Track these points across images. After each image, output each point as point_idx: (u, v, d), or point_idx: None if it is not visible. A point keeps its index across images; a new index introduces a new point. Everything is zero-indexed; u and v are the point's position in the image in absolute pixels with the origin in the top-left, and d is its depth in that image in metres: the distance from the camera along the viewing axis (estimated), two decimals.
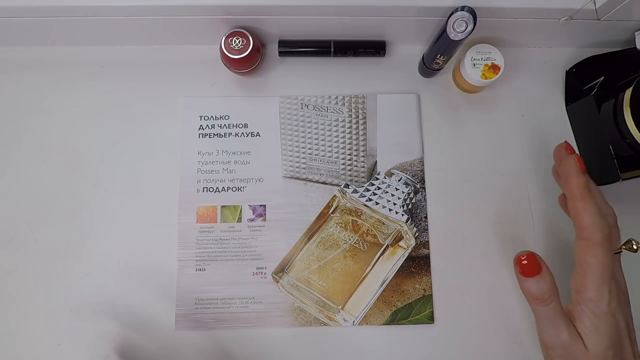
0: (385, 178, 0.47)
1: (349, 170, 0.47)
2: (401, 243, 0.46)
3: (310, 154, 0.47)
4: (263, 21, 0.45)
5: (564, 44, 0.50)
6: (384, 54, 0.49)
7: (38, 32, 0.47)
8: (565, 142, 0.39)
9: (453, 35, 0.40)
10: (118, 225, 0.46)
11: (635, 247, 0.36)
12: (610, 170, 0.44)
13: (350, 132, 0.48)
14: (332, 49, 0.48)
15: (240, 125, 0.48)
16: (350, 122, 0.48)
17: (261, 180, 0.47)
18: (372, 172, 0.47)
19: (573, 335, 0.34)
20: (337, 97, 0.48)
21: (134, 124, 0.48)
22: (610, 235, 0.34)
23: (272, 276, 0.45)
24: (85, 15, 0.44)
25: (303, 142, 0.48)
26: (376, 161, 0.47)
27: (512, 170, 0.48)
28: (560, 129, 0.49)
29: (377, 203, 0.46)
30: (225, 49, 0.45)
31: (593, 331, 0.34)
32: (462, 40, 0.40)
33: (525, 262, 0.35)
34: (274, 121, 0.48)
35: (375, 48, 0.48)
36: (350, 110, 0.48)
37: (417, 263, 0.46)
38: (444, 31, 0.41)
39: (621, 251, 0.37)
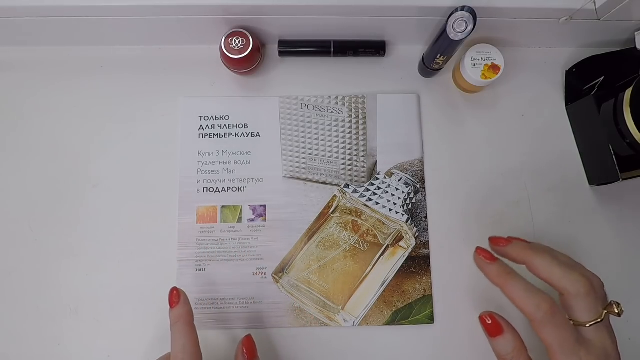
0: (385, 178, 0.47)
1: (349, 170, 0.47)
2: (401, 243, 0.46)
3: (310, 154, 0.47)
4: (263, 21, 0.45)
5: (564, 44, 0.50)
6: (384, 54, 0.49)
7: (38, 32, 0.47)
8: (477, 249, 0.38)
9: (453, 35, 0.40)
10: (118, 225, 0.46)
11: (617, 310, 0.34)
12: (610, 170, 0.44)
13: (350, 132, 0.48)
14: (332, 49, 0.48)
15: (240, 126, 0.48)
16: (350, 122, 0.48)
17: (261, 180, 0.47)
18: (372, 172, 0.47)
19: None
20: (337, 97, 0.48)
21: (134, 124, 0.48)
22: (551, 308, 0.32)
23: (272, 276, 0.45)
24: (86, 15, 0.44)
25: (303, 142, 0.48)
26: (376, 161, 0.47)
27: (512, 170, 0.48)
28: (560, 129, 0.49)
29: (377, 203, 0.46)
30: (225, 49, 0.45)
31: None
32: (462, 40, 0.40)
33: (489, 322, 0.35)
34: (274, 121, 0.48)
35: (375, 48, 0.48)
36: (350, 110, 0.48)
37: (417, 263, 0.46)
38: (444, 31, 0.41)
39: (600, 320, 0.33)
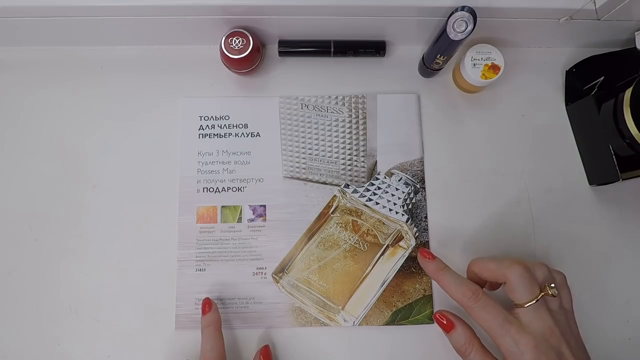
0: (385, 178, 0.47)
1: (349, 170, 0.47)
2: (401, 243, 0.46)
3: (310, 154, 0.47)
4: (263, 21, 0.45)
5: (564, 44, 0.50)
6: (384, 54, 0.49)
7: (38, 32, 0.47)
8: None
9: (453, 35, 0.40)
10: (118, 225, 0.46)
11: (550, 292, 0.36)
12: (610, 170, 0.44)
13: (350, 132, 0.48)
14: (332, 49, 0.48)
15: (240, 126, 0.48)
16: (350, 122, 0.48)
17: (261, 180, 0.47)
18: (372, 172, 0.47)
19: None
20: (337, 97, 0.48)
21: (134, 124, 0.48)
22: (474, 294, 0.36)
23: (272, 276, 0.45)
24: (86, 15, 0.44)
25: (303, 142, 0.48)
26: (376, 161, 0.47)
27: (512, 170, 0.48)
28: (560, 129, 0.49)
29: (377, 203, 0.46)
30: (225, 49, 0.45)
31: None
32: (462, 40, 0.40)
33: (441, 319, 0.39)
34: (274, 121, 0.48)
35: (375, 48, 0.48)
36: (350, 110, 0.48)
37: (417, 263, 0.45)
38: (444, 31, 0.41)
39: (535, 301, 0.35)
